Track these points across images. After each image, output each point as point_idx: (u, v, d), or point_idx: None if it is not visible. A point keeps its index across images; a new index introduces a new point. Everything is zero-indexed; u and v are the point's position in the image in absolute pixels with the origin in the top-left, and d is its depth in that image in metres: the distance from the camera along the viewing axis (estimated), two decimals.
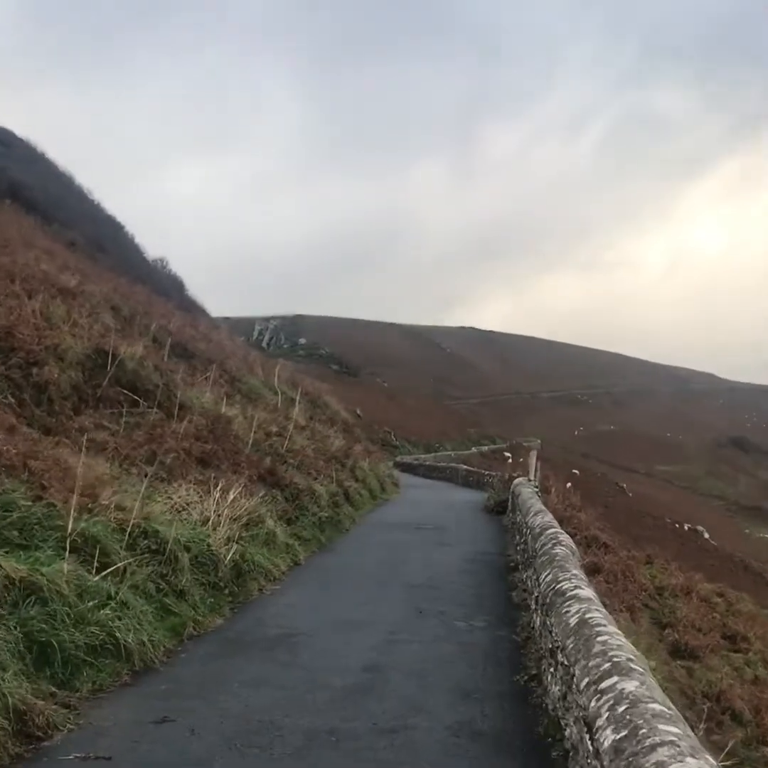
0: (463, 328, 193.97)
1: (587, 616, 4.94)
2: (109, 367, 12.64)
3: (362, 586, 9.74)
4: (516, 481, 17.65)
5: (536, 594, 6.95)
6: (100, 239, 32.02)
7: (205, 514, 9.10)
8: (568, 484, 31.30)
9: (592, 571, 13.14)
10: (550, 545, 7.52)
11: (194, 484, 10.54)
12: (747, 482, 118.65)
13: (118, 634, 6.09)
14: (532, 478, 17.88)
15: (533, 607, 7.35)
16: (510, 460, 65.77)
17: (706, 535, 67.36)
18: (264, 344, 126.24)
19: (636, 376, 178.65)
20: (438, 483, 34.10)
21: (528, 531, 9.98)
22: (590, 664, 4.06)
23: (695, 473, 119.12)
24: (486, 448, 70.47)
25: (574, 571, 6.35)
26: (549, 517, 9.88)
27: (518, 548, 11.99)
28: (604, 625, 4.68)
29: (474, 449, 66.71)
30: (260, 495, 11.97)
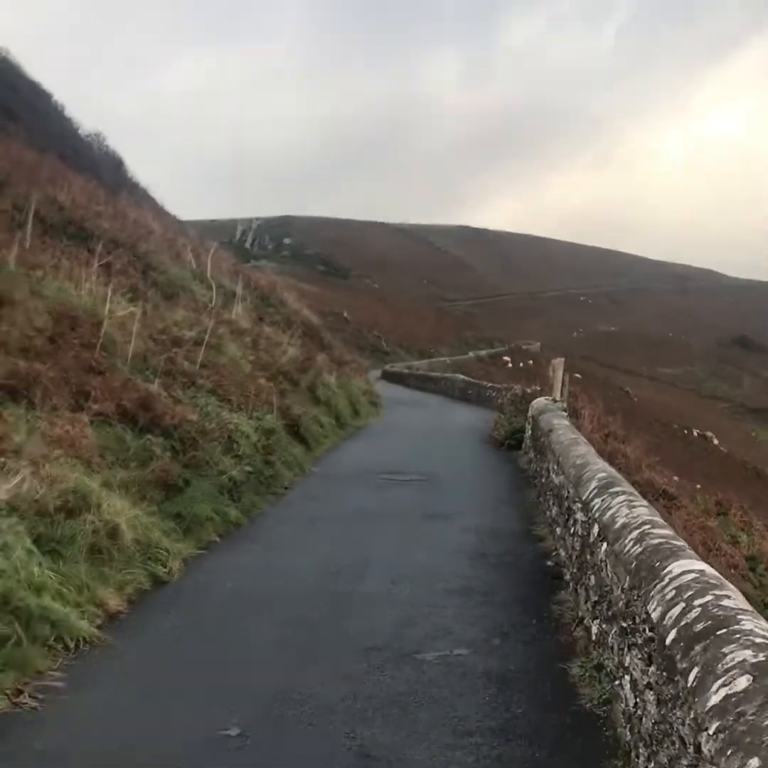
0: (458, 226, 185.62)
1: None
2: None
3: (248, 672, 4.62)
4: (536, 403, 12.53)
5: None
6: (13, 107, 26.09)
7: None
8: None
9: None
10: (714, 651, 2.41)
11: None
12: (752, 383, 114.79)
13: None
14: (558, 397, 12.79)
15: None
16: (509, 365, 60.99)
17: (716, 441, 63.93)
18: (247, 245, 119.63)
19: (637, 275, 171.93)
20: (431, 397, 29.05)
21: (595, 526, 4.91)
22: None
23: (699, 375, 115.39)
24: (484, 352, 65.30)
25: None
26: (641, 506, 4.72)
27: (558, 532, 6.96)
28: None
29: (471, 354, 61.70)
30: (107, 447, 6.86)
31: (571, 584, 5.88)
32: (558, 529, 7.08)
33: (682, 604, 2.95)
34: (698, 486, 24.94)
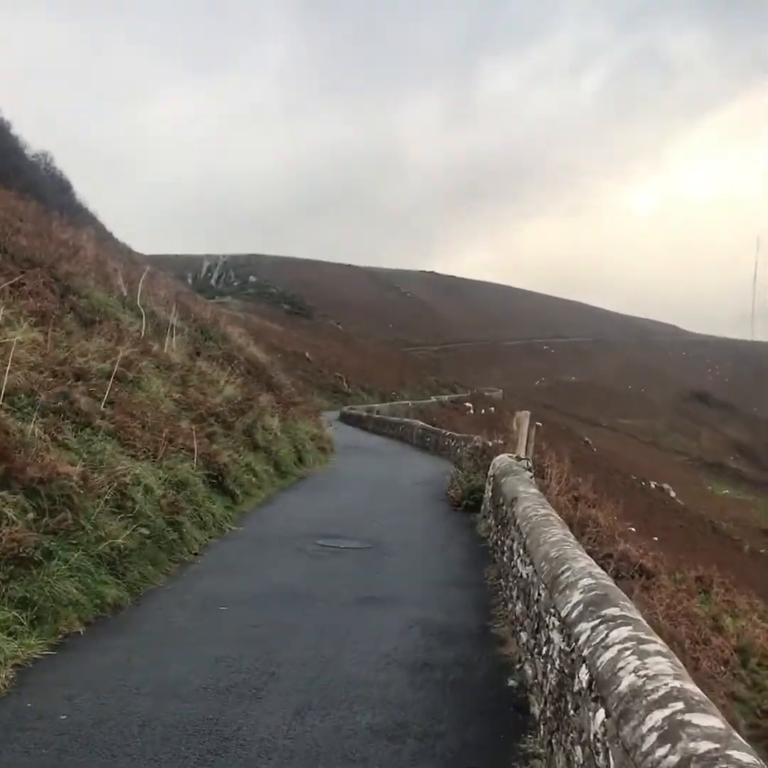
0: (425, 272, 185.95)
1: None
2: None
3: None
4: (499, 462, 10.98)
5: None
6: None
7: None
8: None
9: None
10: None
11: None
12: (709, 437, 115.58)
13: None
14: (523, 455, 11.28)
15: None
16: (471, 411, 59.72)
17: (673, 494, 63.84)
18: (212, 282, 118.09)
19: (600, 327, 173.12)
20: (388, 443, 27.45)
21: (582, 668, 3.33)
22: None
23: (658, 427, 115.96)
24: (446, 397, 64.27)
25: None
26: (658, 653, 3.17)
27: (524, 639, 5.35)
28: None
29: (433, 399, 60.53)
30: None
31: (541, 728, 4.27)
32: (524, 635, 5.48)
33: None
34: (655, 538, 23.75)
